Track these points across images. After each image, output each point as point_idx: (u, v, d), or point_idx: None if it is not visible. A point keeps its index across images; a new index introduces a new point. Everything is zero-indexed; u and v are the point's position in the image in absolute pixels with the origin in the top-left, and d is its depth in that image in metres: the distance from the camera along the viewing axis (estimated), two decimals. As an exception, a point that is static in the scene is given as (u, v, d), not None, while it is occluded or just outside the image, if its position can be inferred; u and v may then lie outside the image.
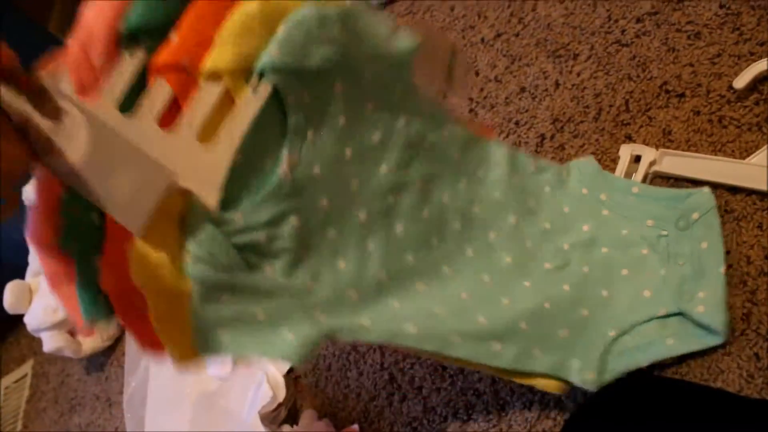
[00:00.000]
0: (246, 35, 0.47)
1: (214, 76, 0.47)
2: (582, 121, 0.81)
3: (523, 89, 0.90)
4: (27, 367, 1.57)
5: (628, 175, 0.73)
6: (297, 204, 0.53)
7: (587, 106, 0.82)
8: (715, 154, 0.69)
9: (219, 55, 0.47)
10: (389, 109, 0.58)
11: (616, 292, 0.65)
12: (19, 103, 0.45)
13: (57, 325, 1.28)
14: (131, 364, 1.23)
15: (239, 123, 0.48)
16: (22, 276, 1.36)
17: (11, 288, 1.31)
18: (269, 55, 0.48)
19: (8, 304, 1.30)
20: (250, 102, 0.48)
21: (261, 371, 0.97)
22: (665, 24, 0.79)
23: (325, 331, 0.54)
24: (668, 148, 0.72)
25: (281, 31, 0.48)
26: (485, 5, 1.02)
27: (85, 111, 0.46)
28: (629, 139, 0.76)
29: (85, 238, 0.49)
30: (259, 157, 0.51)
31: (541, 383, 0.64)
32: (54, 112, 0.46)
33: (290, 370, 0.96)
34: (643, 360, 0.61)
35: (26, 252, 1.34)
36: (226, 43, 0.47)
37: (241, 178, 0.50)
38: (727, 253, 0.64)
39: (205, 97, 0.47)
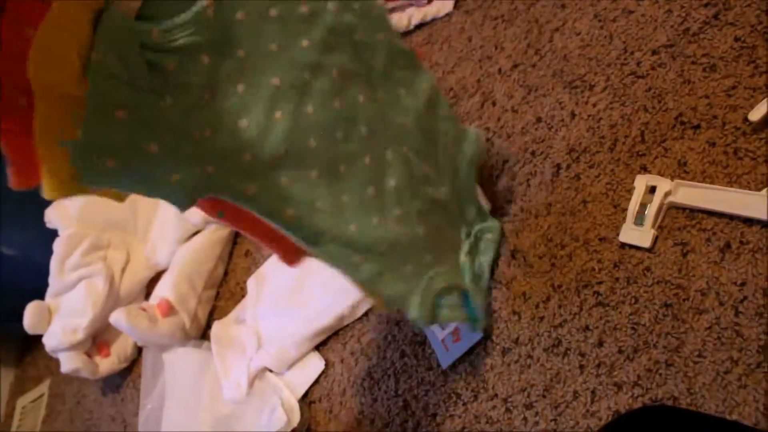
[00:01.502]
0: None
1: None
2: (597, 152, 0.82)
3: (539, 119, 0.91)
4: (44, 387, 1.58)
5: (643, 205, 0.73)
6: (213, 42, 0.53)
7: (603, 137, 0.82)
8: (731, 186, 0.69)
9: None
10: None
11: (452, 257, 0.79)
12: None
13: (75, 346, 1.30)
14: (147, 385, 1.23)
15: None
16: (41, 297, 1.37)
17: (31, 308, 1.32)
18: None
19: (28, 325, 1.31)
20: None
21: (275, 396, 0.97)
22: (681, 56, 0.80)
23: (210, 185, 0.54)
24: (683, 179, 0.72)
25: None
26: (502, 36, 1.03)
27: None
28: (644, 170, 0.76)
29: None
30: None
31: (379, 305, 0.75)
32: None
33: (305, 395, 0.97)
34: (458, 318, 0.77)
35: (46, 273, 1.36)
36: None
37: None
38: (743, 284, 0.64)
39: None
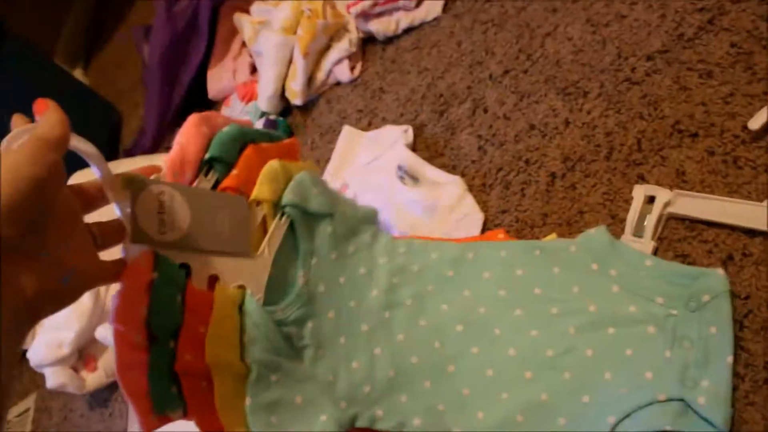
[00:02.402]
0: (275, 180, 0.68)
1: (258, 202, 0.66)
2: (593, 161, 0.81)
3: (532, 126, 0.89)
4: (30, 401, 1.55)
5: (642, 216, 0.72)
6: (311, 311, 0.68)
7: (598, 145, 0.81)
8: (731, 196, 0.68)
9: (261, 189, 0.67)
10: (367, 250, 0.76)
11: (618, 374, 0.64)
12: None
13: (61, 361, 1.27)
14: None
15: (274, 240, 0.67)
16: (25, 310, 1.34)
17: (15, 323, 1.29)
18: (287, 196, 0.68)
19: (11, 340, 1.28)
20: (279, 227, 0.67)
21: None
22: (676, 62, 0.79)
23: (348, 417, 0.66)
24: (682, 188, 0.71)
25: (292, 182, 0.69)
26: (493, 41, 1.02)
27: (180, 188, 0.60)
28: (642, 179, 0.75)
29: (169, 319, 0.56)
30: (285, 270, 0.68)
31: None
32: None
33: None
34: None
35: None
36: (263, 183, 0.67)
37: (274, 284, 0.66)
38: (747, 298, 0.63)
39: (253, 218, 0.66)
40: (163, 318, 0.56)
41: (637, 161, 0.77)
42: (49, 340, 1.28)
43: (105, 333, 1.14)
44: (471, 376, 0.71)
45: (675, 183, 0.73)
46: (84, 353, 1.32)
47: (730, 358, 0.60)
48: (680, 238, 0.69)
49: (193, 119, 0.67)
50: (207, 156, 0.66)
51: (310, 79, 1.25)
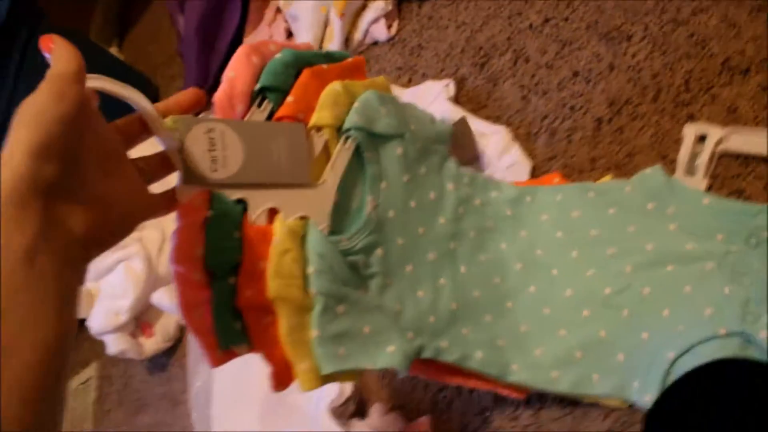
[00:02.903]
0: (337, 104, 0.64)
1: (318, 128, 0.63)
2: (640, 103, 0.81)
3: (576, 74, 0.89)
4: (91, 370, 1.61)
5: (693, 156, 0.72)
6: (380, 238, 0.66)
7: (645, 88, 0.81)
8: (785, 130, 0.68)
9: (321, 115, 0.63)
10: (437, 171, 0.73)
11: (677, 311, 0.65)
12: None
13: (119, 328, 1.31)
14: (194, 363, 1.25)
15: (338, 167, 0.64)
16: (81, 282, 1.39)
17: (73, 294, 1.33)
18: (351, 119, 0.64)
19: (71, 310, 1.33)
20: (343, 152, 0.64)
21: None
22: (723, -1, 0.78)
23: (415, 347, 0.65)
24: (734, 125, 0.71)
25: (357, 104, 0.66)
26: (532, -10, 1.01)
27: (230, 123, 0.58)
28: (692, 118, 0.75)
29: (226, 256, 0.56)
30: (349, 197, 0.66)
31: (603, 401, 0.69)
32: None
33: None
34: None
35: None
36: (324, 108, 0.64)
37: (338, 212, 0.64)
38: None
39: (314, 146, 0.63)
40: (221, 255, 0.55)
41: (686, 101, 0.76)
42: (107, 308, 1.32)
43: (160, 297, 1.18)
44: (529, 314, 0.72)
45: (726, 121, 0.72)
46: (141, 320, 1.36)
47: None
48: (734, 175, 0.69)
49: (242, 50, 0.64)
50: (258, 86, 0.62)
51: (347, 40, 1.26)
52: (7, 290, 0.39)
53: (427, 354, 0.66)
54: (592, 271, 0.71)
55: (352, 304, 0.62)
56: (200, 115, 0.60)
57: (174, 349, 1.39)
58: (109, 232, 0.49)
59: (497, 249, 0.75)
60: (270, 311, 0.57)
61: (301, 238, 0.60)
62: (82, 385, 1.60)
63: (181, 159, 0.55)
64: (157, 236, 1.36)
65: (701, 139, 0.72)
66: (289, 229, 0.59)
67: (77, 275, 0.46)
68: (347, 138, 0.65)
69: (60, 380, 0.41)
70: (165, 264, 1.35)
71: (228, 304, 0.56)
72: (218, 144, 0.57)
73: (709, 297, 0.63)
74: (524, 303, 0.73)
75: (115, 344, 1.31)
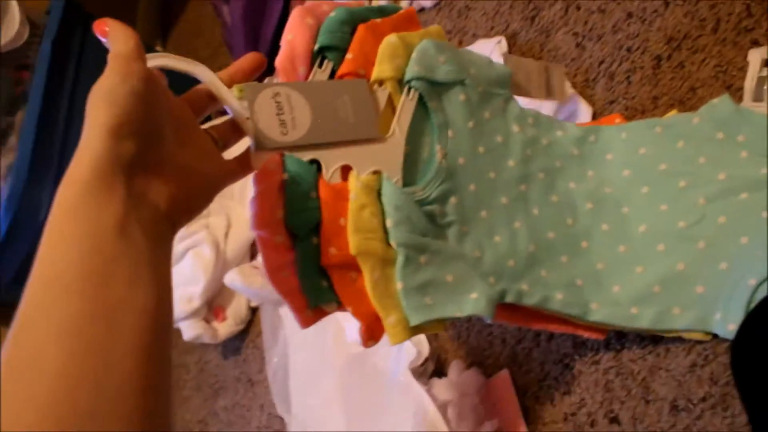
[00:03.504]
0: (395, 56, 0.65)
1: (380, 82, 0.65)
2: (699, 36, 0.79)
3: (629, 15, 0.88)
4: (166, 360, 1.65)
5: (761, 82, 0.70)
6: (453, 186, 0.66)
7: (703, 20, 0.79)
8: None
9: (381, 68, 0.65)
10: (501, 114, 0.73)
11: (755, 237, 0.64)
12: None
13: (193, 314, 1.35)
14: (269, 342, 1.27)
15: (404, 119, 0.65)
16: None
17: (146, 284, 1.37)
18: (411, 70, 0.65)
19: (146, 300, 1.36)
20: (407, 103, 0.65)
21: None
22: None
23: (497, 292, 0.65)
24: (801, 46, 0.69)
25: (414, 54, 0.66)
26: (576, -63, 1.00)
27: (294, 85, 0.60)
28: (756, 44, 0.73)
29: (306, 216, 0.57)
30: (418, 148, 0.66)
31: (686, 334, 0.69)
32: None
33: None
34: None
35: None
36: (383, 61, 0.65)
37: (409, 164, 0.65)
38: None
39: (378, 100, 0.64)
40: (300, 216, 0.56)
41: (749, 27, 0.75)
42: (180, 295, 1.35)
43: (232, 278, 1.20)
44: (604, 252, 0.72)
45: (793, 42, 0.71)
46: (213, 305, 1.40)
47: None
48: (805, 95, 0.68)
49: (296, 12, 0.65)
50: (317, 46, 0.64)
51: (391, 11, 1.26)
52: (105, 260, 0.41)
53: (509, 298, 0.66)
54: (664, 205, 0.70)
55: (434, 253, 0.62)
56: (264, 81, 0.61)
57: (246, 331, 1.42)
58: (191, 201, 0.51)
59: (567, 189, 0.75)
60: (354, 267, 0.58)
61: (377, 193, 0.61)
62: (161, 373, 1.64)
63: (251, 125, 0.57)
64: (222, 222, 1.39)
65: (767, 63, 0.70)
66: (363, 184, 0.60)
67: (166, 245, 0.48)
68: (410, 89, 0.66)
69: (166, 345, 0.43)
70: (232, 248, 1.38)
71: (313, 263, 0.57)
72: (285, 107, 0.58)
73: None
74: (598, 241, 0.73)
75: (190, 330, 1.34)
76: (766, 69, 0.70)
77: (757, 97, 0.70)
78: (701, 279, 0.66)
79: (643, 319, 0.69)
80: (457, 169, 0.67)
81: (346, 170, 0.61)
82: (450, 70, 0.68)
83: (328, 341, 1.10)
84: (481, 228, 0.68)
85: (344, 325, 1.08)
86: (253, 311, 1.41)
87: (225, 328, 1.38)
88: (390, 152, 0.63)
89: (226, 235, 1.38)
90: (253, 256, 1.41)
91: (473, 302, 0.62)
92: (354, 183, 0.60)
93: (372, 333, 0.59)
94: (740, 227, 0.65)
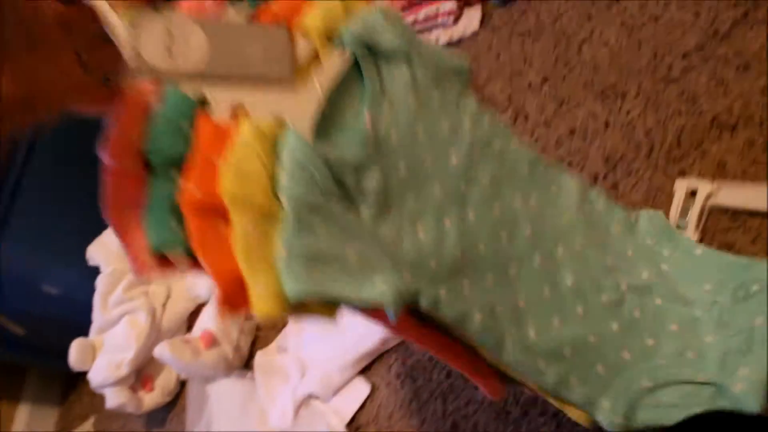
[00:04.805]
0: (329, 11, 0.59)
1: (306, 34, 0.57)
2: (634, 159, 0.82)
3: (572, 131, 0.91)
4: (89, 425, 1.59)
5: (684, 210, 0.72)
6: (378, 159, 0.57)
7: (639, 144, 0.82)
8: (774, 185, 0.68)
9: (311, 19, 0.58)
10: (454, 104, 0.66)
11: (661, 345, 0.64)
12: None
13: (120, 381, 1.31)
14: (193, 418, 1.24)
15: (327, 71, 0.57)
16: (85, 334, 1.39)
17: (76, 346, 1.34)
18: (349, 28, 0.59)
19: (73, 361, 1.33)
20: (335, 59, 0.58)
21: (323, 422, 0.97)
22: (712, 58, 0.80)
23: (410, 291, 0.54)
24: (723, 180, 0.71)
25: (359, 14, 0.60)
26: (530, 51, 1.04)
27: (197, 21, 0.53)
28: (683, 174, 0.76)
29: (169, 143, 0.50)
30: (341, 111, 0.58)
31: (572, 412, 0.64)
32: None
33: (352, 421, 0.96)
34: (670, 419, 0.60)
35: (89, 311, 1.38)
36: (314, 12, 0.58)
37: (325, 125, 0.56)
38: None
39: (298, 50, 0.57)
40: (162, 143, 0.50)
41: (678, 157, 0.77)
42: (109, 361, 1.32)
43: (162, 350, 1.18)
44: (530, 288, 0.66)
45: (716, 176, 0.73)
46: (142, 374, 1.36)
47: None
48: (724, 229, 0.70)
49: None
50: None
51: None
52: None
53: (423, 302, 0.57)
54: (592, 271, 0.69)
55: (337, 222, 0.52)
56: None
57: (173, 404, 1.38)
58: (28, 104, 0.49)
59: (511, 205, 0.69)
60: (222, 215, 0.48)
61: (273, 146, 0.52)
62: (79, 440, 1.59)
63: (131, 50, 0.51)
64: (162, 291, 1.38)
65: (692, 194, 0.72)
66: (257, 129, 0.51)
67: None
68: (343, 48, 0.59)
69: None
70: (169, 318, 1.36)
71: (167, 201, 0.50)
72: (179, 39, 0.52)
73: (693, 341, 0.63)
74: (527, 274, 0.67)
75: (114, 398, 1.30)
76: (690, 199, 0.72)
77: (680, 225, 0.72)
78: (604, 360, 0.64)
79: (548, 376, 0.63)
80: (387, 143, 0.59)
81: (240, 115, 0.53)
82: (394, 40, 0.61)
83: (251, 426, 1.08)
84: (404, 214, 0.59)
85: (269, 411, 1.05)
86: (183, 384, 1.37)
87: (151, 398, 1.34)
88: (302, 101, 0.55)
89: (164, 305, 1.36)
90: (189, 329, 1.38)
91: (378, 289, 0.51)
92: (245, 124, 0.51)
93: (231, 300, 0.48)
94: (650, 328, 0.65)
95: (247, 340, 1.25)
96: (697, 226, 0.71)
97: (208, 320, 1.25)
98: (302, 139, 0.52)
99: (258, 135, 0.51)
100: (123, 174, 0.49)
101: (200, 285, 1.36)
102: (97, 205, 0.51)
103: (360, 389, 0.99)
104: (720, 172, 0.73)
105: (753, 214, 0.68)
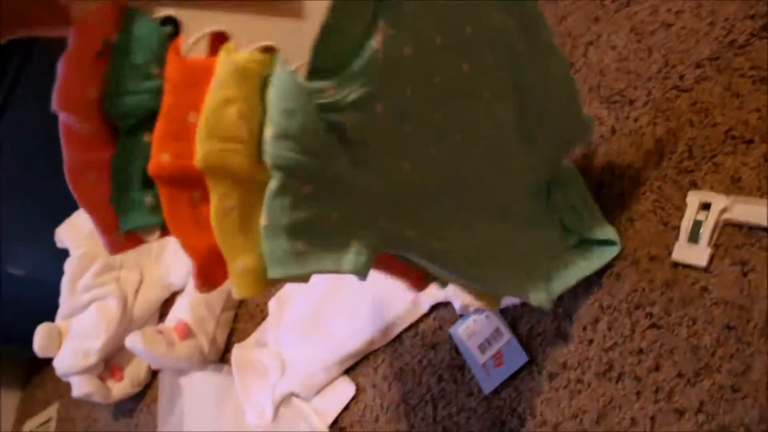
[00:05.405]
0: None
1: None
2: (642, 168, 0.80)
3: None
4: (52, 411, 1.54)
5: (697, 224, 0.70)
6: (385, 89, 0.48)
7: (648, 153, 0.80)
8: (790, 202, 0.67)
9: None
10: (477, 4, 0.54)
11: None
12: None
13: (87, 370, 1.26)
14: (164, 411, 1.20)
15: None
16: (50, 318, 1.33)
17: (41, 331, 1.28)
18: None
19: (38, 347, 1.27)
20: None
21: (304, 422, 0.94)
22: (727, 69, 0.78)
23: (384, 239, 0.50)
24: (738, 195, 0.70)
25: None
26: (533, 50, 1.01)
27: None
28: (694, 186, 0.74)
29: (135, 100, 0.41)
30: (345, 32, 0.45)
31: (483, 299, 0.72)
32: None
33: (335, 422, 0.94)
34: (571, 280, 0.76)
35: (55, 294, 1.32)
36: None
37: (331, 43, 0.44)
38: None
39: None
40: (127, 100, 0.42)
41: (689, 168, 0.76)
42: (76, 348, 1.27)
43: (133, 341, 1.13)
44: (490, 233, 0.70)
45: (729, 189, 0.71)
46: (110, 363, 1.31)
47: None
48: (738, 245, 0.68)
49: None
50: None
51: None
52: None
53: (391, 248, 0.53)
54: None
55: (325, 184, 0.46)
56: None
57: (143, 394, 1.34)
58: None
59: (503, 124, 0.64)
60: (199, 185, 0.42)
61: (259, 85, 0.43)
62: (39, 428, 1.53)
63: None
64: (135, 277, 1.33)
65: (704, 207, 0.71)
66: (237, 66, 0.41)
67: None
68: None
69: None
70: (141, 306, 1.31)
71: (136, 169, 0.44)
72: None
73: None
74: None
75: (81, 386, 1.25)
76: (703, 213, 0.70)
77: (693, 239, 0.70)
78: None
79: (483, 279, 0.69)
80: (398, 65, 0.48)
81: (219, 42, 0.42)
82: None
83: (226, 423, 1.04)
84: (395, 149, 0.51)
85: (245, 408, 1.02)
86: (154, 374, 1.33)
87: (120, 389, 1.30)
88: (298, 26, 0.42)
89: (137, 291, 1.31)
90: (161, 317, 1.33)
91: (353, 256, 0.47)
92: (224, 62, 0.41)
93: (207, 277, 0.44)
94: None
95: (223, 332, 1.21)
96: (710, 241, 0.69)
97: (182, 310, 1.21)
98: (294, 80, 0.43)
99: (238, 77, 0.41)
100: (77, 134, 0.42)
101: (175, 272, 1.32)
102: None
103: (344, 389, 0.96)
104: (734, 186, 0.71)
105: (768, 231, 0.67)
